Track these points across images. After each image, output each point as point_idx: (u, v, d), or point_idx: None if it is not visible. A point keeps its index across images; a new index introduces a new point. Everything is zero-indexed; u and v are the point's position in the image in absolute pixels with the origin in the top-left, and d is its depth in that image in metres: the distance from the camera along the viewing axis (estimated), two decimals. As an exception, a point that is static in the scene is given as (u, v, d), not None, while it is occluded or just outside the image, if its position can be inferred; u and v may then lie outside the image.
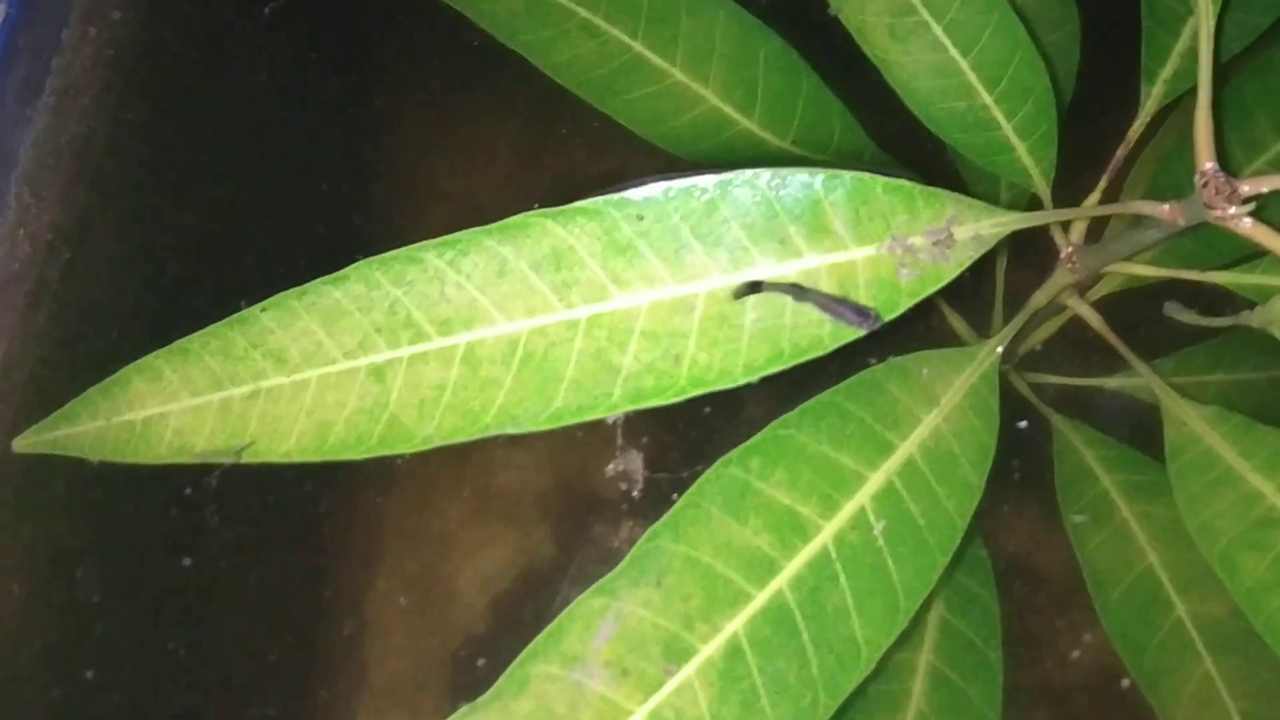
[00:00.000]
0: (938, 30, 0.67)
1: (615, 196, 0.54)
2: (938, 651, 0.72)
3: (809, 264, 0.54)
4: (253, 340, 0.57)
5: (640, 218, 0.54)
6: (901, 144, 0.78)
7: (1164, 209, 0.62)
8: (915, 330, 0.86)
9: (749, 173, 0.54)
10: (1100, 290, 0.81)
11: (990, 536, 0.78)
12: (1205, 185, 0.60)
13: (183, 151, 0.92)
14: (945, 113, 0.68)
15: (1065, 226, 0.74)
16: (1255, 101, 0.75)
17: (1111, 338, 0.72)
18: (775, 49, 0.77)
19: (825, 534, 0.57)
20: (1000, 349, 0.66)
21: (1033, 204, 0.74)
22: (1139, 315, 0.80)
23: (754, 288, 0.53)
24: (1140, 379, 0.72)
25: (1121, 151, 0.73)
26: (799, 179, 0.54)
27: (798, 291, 0.54)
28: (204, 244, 0.90)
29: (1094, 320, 0.73)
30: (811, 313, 0.54)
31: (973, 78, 0.68)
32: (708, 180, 0.54)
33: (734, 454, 0.57)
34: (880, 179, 0.54)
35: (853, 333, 0.54)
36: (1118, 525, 0.71)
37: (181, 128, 0.92)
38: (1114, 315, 0.76)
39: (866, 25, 0.69)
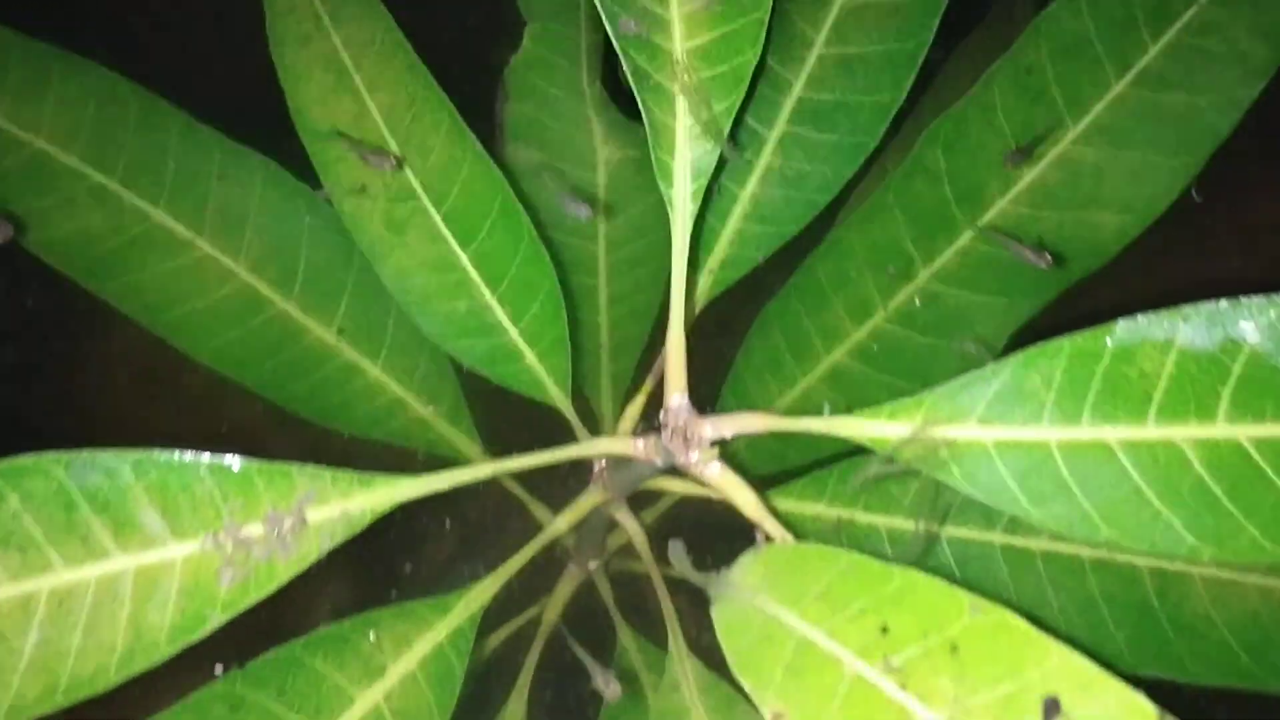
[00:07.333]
0: (436, 218, 0.59)
1: None
2: None
3: (117, 566, 0.44)
4: None
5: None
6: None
7: (639, 446, 0.53)
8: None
9: (47, 457, 0.44)
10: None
11: None
12: (666, 427, 0.51)
13: None
14: (444, 315, 0.59)
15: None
16: (781, 335, 0.67)
17: (645, 549, 0.63)
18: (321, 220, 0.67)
19: None
20: (480, 602, 0.56)
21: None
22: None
23: None
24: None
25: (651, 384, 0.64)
26: (104, 462, 0.44)
27: None
28: None
29: (640, 541, 0.63)
30: None
31: (473, 273, 0.59)
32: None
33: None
34: (206, 459, 0.45)
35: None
36: None
37: None
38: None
39: (361, 211, 0.60)
